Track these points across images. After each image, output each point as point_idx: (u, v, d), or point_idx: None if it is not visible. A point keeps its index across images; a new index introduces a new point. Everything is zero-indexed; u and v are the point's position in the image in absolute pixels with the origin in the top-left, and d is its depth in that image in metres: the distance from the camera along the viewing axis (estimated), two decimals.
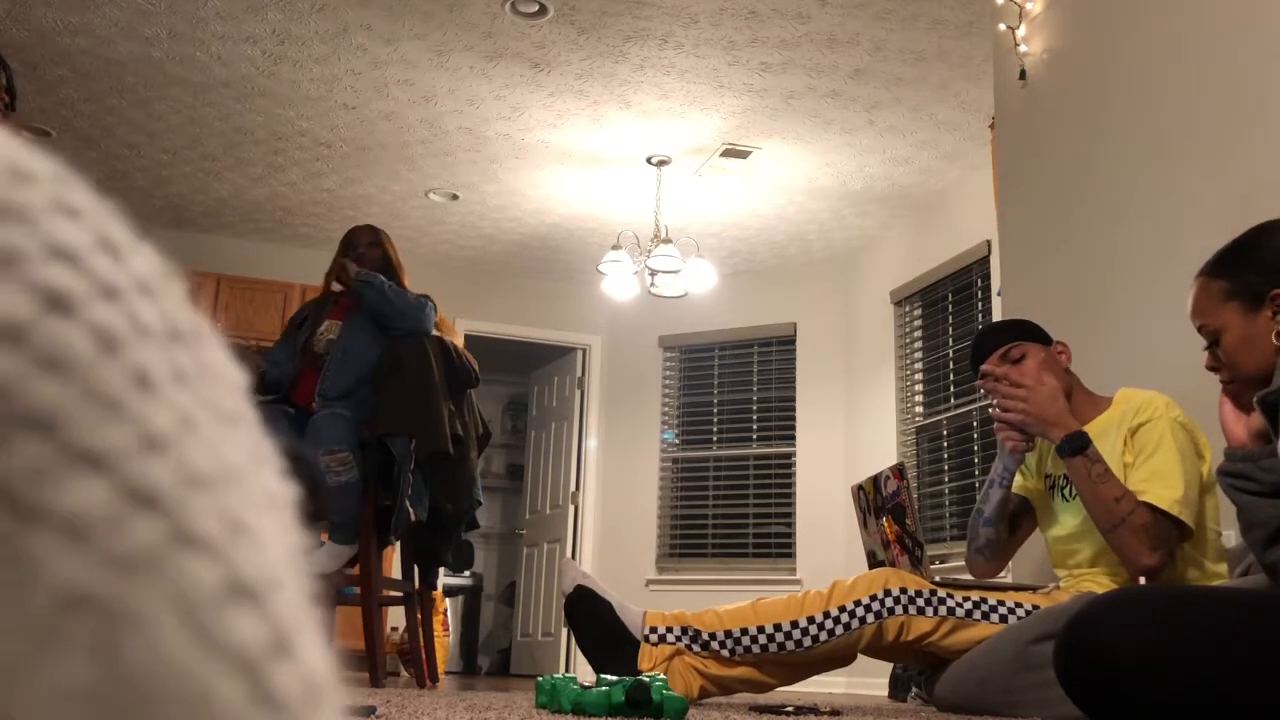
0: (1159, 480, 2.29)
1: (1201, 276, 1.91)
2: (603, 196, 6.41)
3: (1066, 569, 2.53)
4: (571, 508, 7.71)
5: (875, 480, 2.67)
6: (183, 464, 0.22)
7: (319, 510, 3.27)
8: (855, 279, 7.19)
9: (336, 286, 3.76)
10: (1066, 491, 2.50)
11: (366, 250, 3.76)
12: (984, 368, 2.51)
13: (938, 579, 2.44)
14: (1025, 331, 2.58)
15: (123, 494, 0.20)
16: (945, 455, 6.22)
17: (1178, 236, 2.95)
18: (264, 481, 0.25)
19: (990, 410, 2.49)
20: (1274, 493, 1.56)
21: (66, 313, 0.21)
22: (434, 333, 3.71)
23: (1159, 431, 2.35)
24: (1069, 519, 2.48)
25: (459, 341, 3.87)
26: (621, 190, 6.30)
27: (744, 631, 2.39)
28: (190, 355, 0.24)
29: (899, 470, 2.59)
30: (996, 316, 5.32)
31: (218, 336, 0.26)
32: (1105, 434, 2.42)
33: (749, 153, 5.80)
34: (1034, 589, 2.51)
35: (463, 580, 8.86)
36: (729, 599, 2.60)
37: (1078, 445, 2.31)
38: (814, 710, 2.14)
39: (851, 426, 7.04)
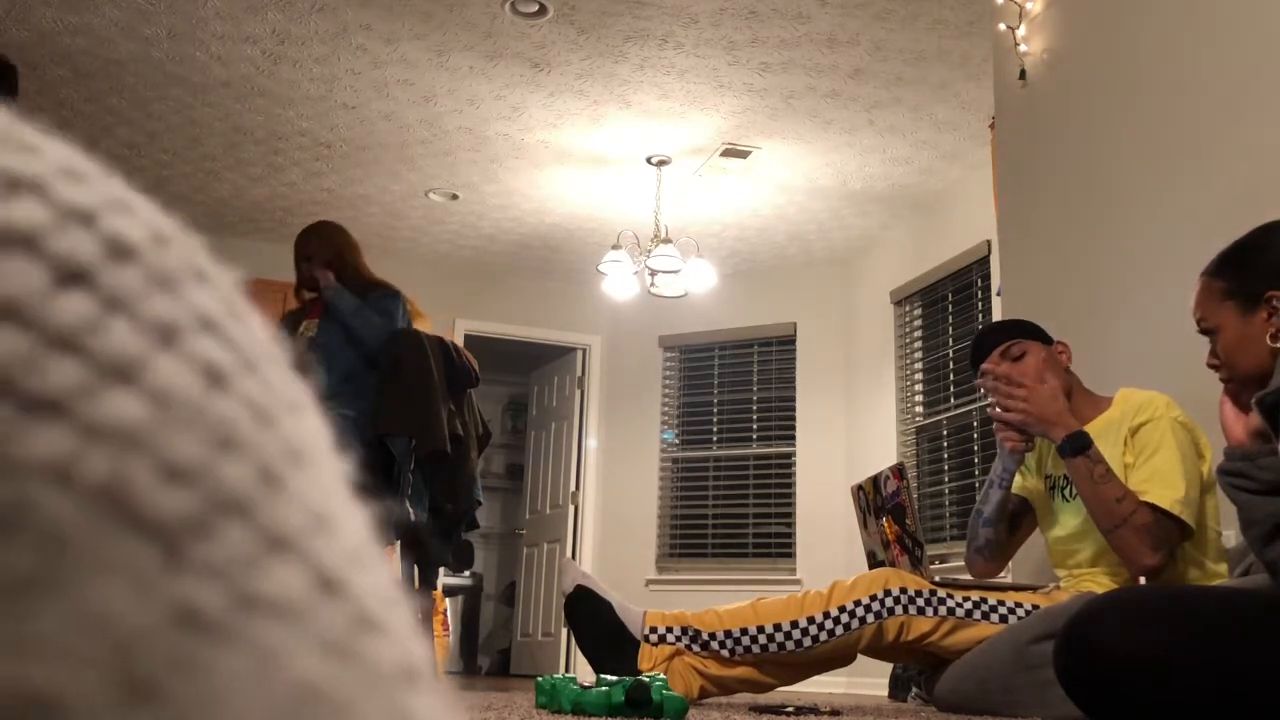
0: (1160, 480, 2.29)
1: (1204, 275, 1.92)
2: (603, 196, 6.41)
3: (1066, 569, 2.53)
4: (571, 508, 7.71)
5: (875, 480, 2.68)
6: (344, 535, 0.21)
7: None
8: (855, 279, 7.20)
9: (308, 295, 3.80)
10: (1067, 492, 2.50)
11: (317, 252, 3.77)
12: (984, 366, 2.51)
13: (938, 579, 2.45)
14: (1026, 330, 2.58)
15: (315, 580, 0.20)
16: (945, 455, 6.22)
17: (1177, 236, 2.95)
18: (360, 522, 0.24)
19: (990, 410, 2.48)
20: (1272, 491, 1.56)
21: (223, 388, 0.20)
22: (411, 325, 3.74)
23: (1160, 431, 2.35)
24: (1069, 519, 2.48)
25: (426, 327, 3.89)
26: (621, 190, 6.30)
27: (744, 631, 2.39)
28: (299, 420, 0.23)
29: (899, 470, 2.59)
30: (996, 316, 5.33)
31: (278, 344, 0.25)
32: (1105, 434, 2.42)
33: (749, 153, 5.80)
34: (1034, 589, 2.51)
35: (463, 580, 8.86)
36: (729, 599, 2.60)
37: (1079, 445, 2.31)
38: (814, 710, 2.14)
39: (851, 426, 7.04)
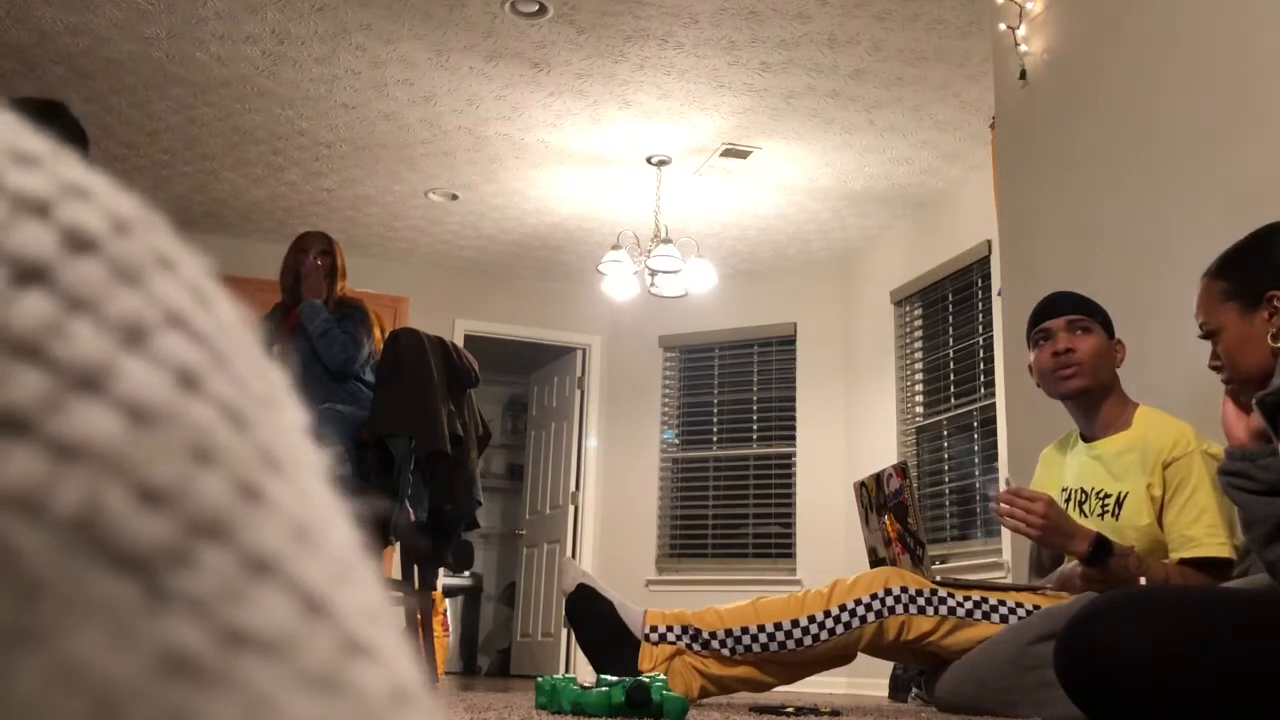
0: (1205, 527, 2.30)
1: (1205, 277, 1.92)
2: (603, 196, 6.41)
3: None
4: (571, 508, 7.71)
5: (878, 478, 2.67)
6: (327, 546, 0.20)
7: None
8: (855, 279, 7.19)
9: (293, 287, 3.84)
10: (1086, 506, 2.49)
11: (318, 257, 3.80)
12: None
13: (938, 578, 2.44)
14: (1099, 315, 2.56)
15: (300, 605, 0.18)
16: (945, 455, 6.22)
17: (1178, 236, 2.95)
18: (342, 526, 0.23)
19: (1001, 521, 2.43)
20: (1272, 491, 1.56)
21: (196, 391, 0.19)
22: (374, 335, 3.76)
23: (1193, 467, 2.35)
24: None
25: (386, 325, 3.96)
26: (621, 190, 6.30)
27: (744, 631, 2.39)
28: (277, 418, 0.22)
29: (902, 469, 2.59)
30: (997, 316, 5.33)
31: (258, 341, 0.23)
32: (1128, 453, 2.42)
33: (749, 152, 5.80)
34: (1034, 589, 2.51)
35: (463, 580, 8.86)
36: (729, 599, 2.60)
37: (1105, 550, 2.29)
38: (814, 710, 2.14)
39: (851, 426, 7.04)
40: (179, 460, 0.18)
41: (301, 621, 0.18)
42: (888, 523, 2.62)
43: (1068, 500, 2.55)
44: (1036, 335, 2.56)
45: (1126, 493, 2.40)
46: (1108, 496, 2.44)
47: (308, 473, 0.21)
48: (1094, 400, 2.50)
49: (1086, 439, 2.55)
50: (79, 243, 0.19)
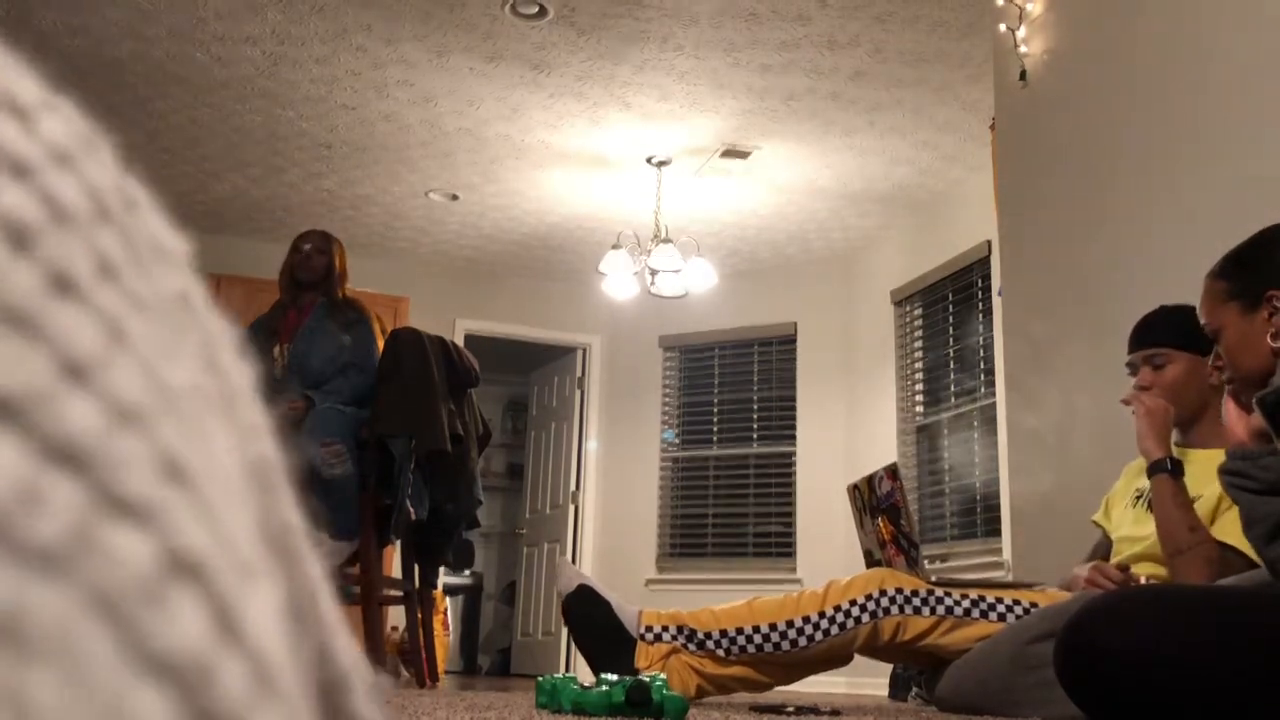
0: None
1: (1208, 278, 1.93)
2: (603, 196, 6.42)
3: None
4: (571, 508, 7.71)
5: (870, 480, 2.67)
6: (110, 395, 0.17)
7: (315, 505, 3.28)
8: (855, 279, 7.19)
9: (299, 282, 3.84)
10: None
11: (314, 255, 3.80)
12: (1131, 361, 2.50)
13: (934, 579, 2.44)
14: (1177, 338, 2.52)
15: (40, 455, 0.15)
16: (945, 455, 6.22)
17: (1178, 236, 2.95)
18: (222, 385, 0.20)
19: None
20: (1272, 490, 1.57)
21: None
22: (377, 336, 3.76)
23: None
24: (1142, 529, 2.46)
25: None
26: (621, 190, 6.30)
27: (739, 631, 2.39)
28: (120, 236, 0.19)
29: (893, 471, 2.59)
30: (997, 316, 5.33)
31: (151, 202, 0.21)
32: (1211, 462, 2.41)
33: (749, 153, 5.81)
34: (1030, 586, 2.51)
35: (463, 580, 8.86)
36: (729, 599, 2.60)
37: (1161, 469, 2.31)
38: (814, 710, 2.14)
39: (851, 426, 7.04)
40: None
41: (34, 477, 0.15)
42: (881, 525, 2.62)
43: (1138, 498, 2.54)
44: (1127, 366, 2.56)
45: (1199, 496, 2.39)
46: None
47: (130, 297, 0.18)
48: (1185, 424, 2.49)
49: (1180, 444, 2.54)
50: None
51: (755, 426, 7.47)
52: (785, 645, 2.38)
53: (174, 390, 0.18)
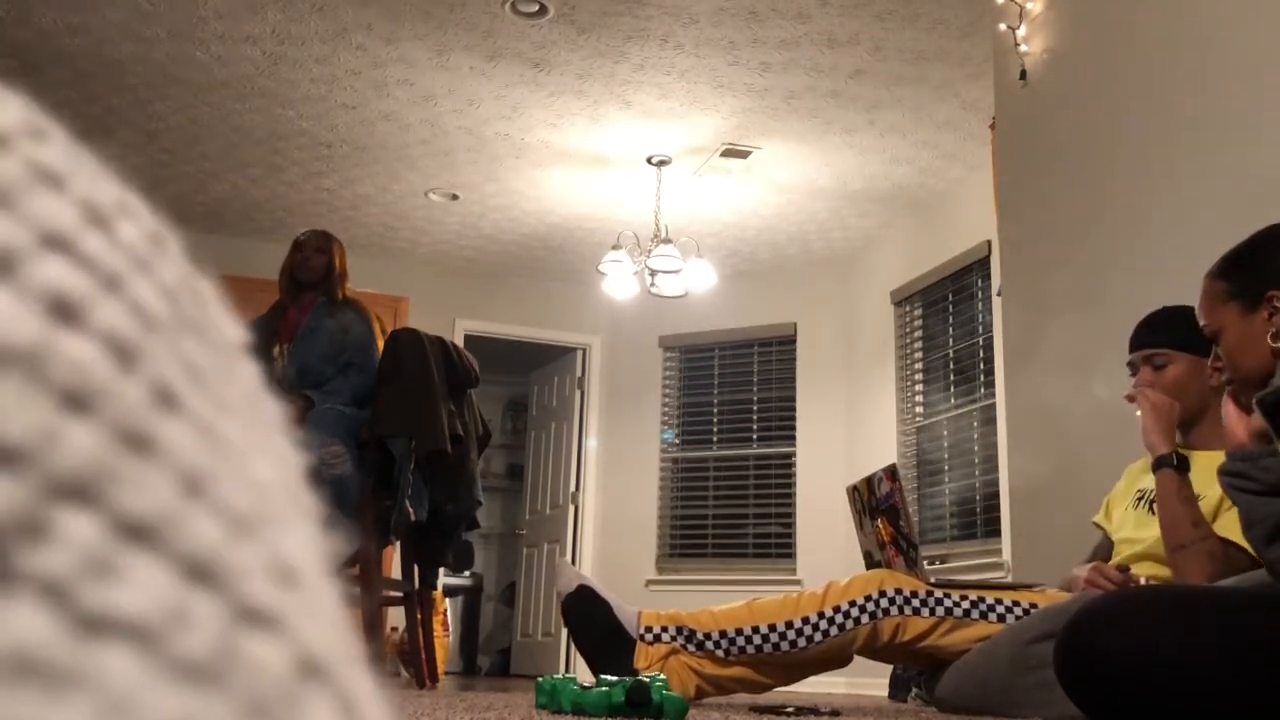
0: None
1: (1207, 278, 1.92)
2: (603, 196, 6.41)
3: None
4: (571, 508, 7.71)
5: (869, 481, 2.67)
6: (223, 506, 0.17)
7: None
8: (855, 279, 7.19)
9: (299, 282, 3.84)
10: (1155, 505, 2.48)
11: (314, 255, 3.79)
12: (1131, 361, 2.51)
13: (934, 579, 2.44)
14: (1177, 340, 2.52)
15: (180, 575, 0.15)
16: (945, 455, 6.22)
17: (1178, 236, 2.95)
18: (287, 473, 0.20)
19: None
20: (1272, 491, 1.56)
21: (74, 322, 0.16)
22: (376, 333, 3.76)
23: None
24: (1143, 531, 2.45)
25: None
26: (621, 190, 6.30)
27: (739, 632, 2.39)
28: (198, 336, 0.19)
29: (892, 472, 2.59)
30: (997, 316, 5.32)
31: (211, 291, 0.21)
32: (1213, 464, 2.41)
33: (749, 153, 5.80)
34: (1030, 587, 2.51)
35: (463, 580, 8.86)
36: (729, 599, 2.60)
37: (1165, 463, 2.30)
38: (814, 710, 2.14)
39: (851, 426, 7.04)
40: (42, 409, 0.15)
41: (179, 596, 0.15)
42: (881, 526, 2.62)
43: (1140, 499, 2.54)
44: (1128, 366, 2.56)
45: (1201, 497, 2.39)
46: None
47: (217, 401, 0.18)
48: (1185, 425, 2.49)
49: (1181, 446, 2.54)
50: None
51: (755, 427, 7.47)
52: (785, 646, 2.37)
53: (266, 489, 0.18)
